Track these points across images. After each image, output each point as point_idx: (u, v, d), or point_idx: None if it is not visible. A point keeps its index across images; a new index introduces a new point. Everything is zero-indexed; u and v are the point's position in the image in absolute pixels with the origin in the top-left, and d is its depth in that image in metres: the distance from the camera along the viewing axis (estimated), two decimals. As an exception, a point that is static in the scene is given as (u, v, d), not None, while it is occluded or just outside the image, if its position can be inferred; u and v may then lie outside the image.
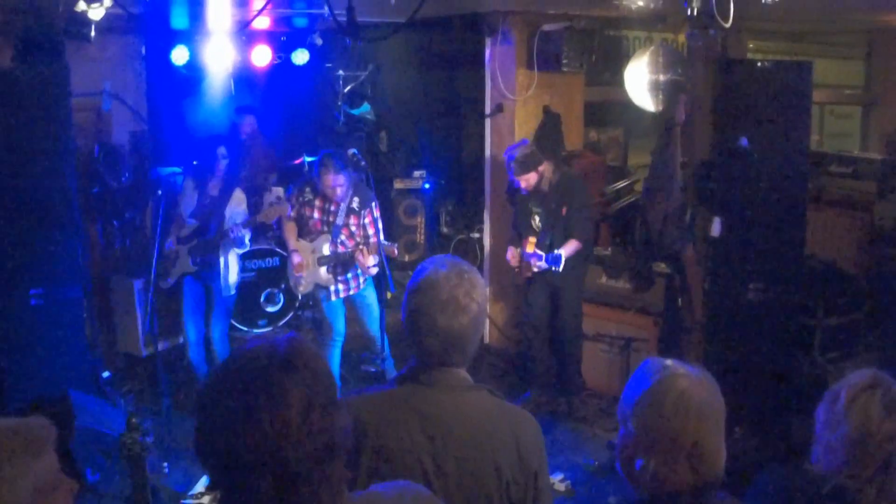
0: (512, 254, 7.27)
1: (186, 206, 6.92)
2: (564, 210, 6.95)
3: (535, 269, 7.01)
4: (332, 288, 7.01)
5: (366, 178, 7.21)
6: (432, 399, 2.63)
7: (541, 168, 7.02)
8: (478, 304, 2.64)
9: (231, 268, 7.06)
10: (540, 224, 7.11)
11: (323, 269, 6.96)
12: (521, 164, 6.99)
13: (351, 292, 7.07)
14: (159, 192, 6.76)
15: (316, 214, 6.97)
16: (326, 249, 6.94)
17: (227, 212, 6.96)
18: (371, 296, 7.17)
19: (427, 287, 2.63)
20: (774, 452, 6.02)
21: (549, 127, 8.27)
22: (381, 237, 6.97)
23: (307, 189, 6.98)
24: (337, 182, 6.70)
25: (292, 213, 7.02)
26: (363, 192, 6.98)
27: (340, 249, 6.93)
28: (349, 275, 7.03)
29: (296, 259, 6.96)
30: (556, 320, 7.31)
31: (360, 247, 6.76)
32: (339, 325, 7.19)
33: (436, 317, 2.58)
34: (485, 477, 2.58)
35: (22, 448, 2.36)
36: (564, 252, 6.84)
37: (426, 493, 2.15)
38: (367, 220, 6.93)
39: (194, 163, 7.07)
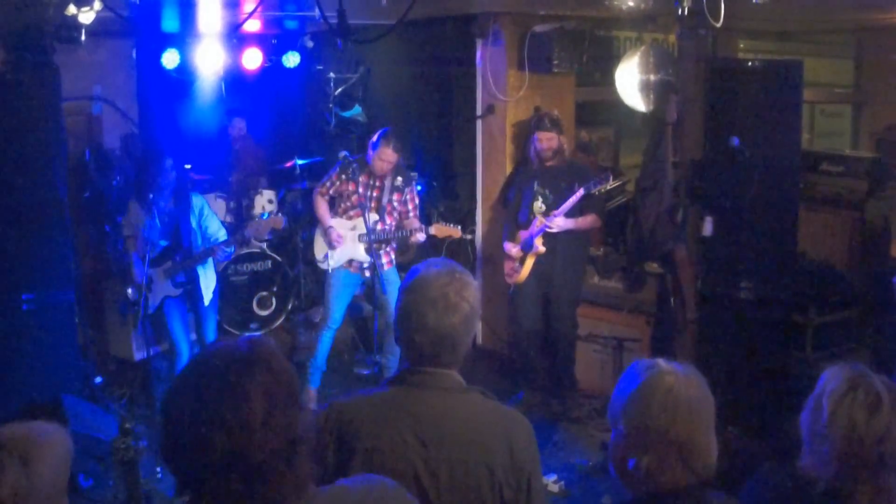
0: (510, 247, 7.33)
1: (148, 229, 6.82)
2: (577, 188, 6.99)
3: (542, 250, 7.10)
4: (373, 262, 6.96)
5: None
6: (424, 401, 2.64)
7: (562, 138, 7.16)
8: (469, 305, 2.64)
9: (209, 276, 7.03)
10: (543, 206, 7.14)
11: (361, 246, 7.08)
12: (554, 122, 7.16)
13: (385, 268, 7.19)
14: (150, 196, 6.70)
15: (360, 189, 7.01)
16: (371, 224, 6.96)
17: (203, 223, 6.91)
18: (397, 280, 7.18)
19: (418, 285, 2.66)
20: (767, 451, 6.02)
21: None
22: (418, 213, 7.28)
23: (354, 164, 7.00)
24: (392, 157, 6.94)
25: (331, 191, 7.18)
26: (404, 172, 7.20)
27: (380, 227, 7.08)
28: (388, 248, 7.26)
29: (334, 234, 7.06)
30: (552, 323, 7.32)
31: (413, 230, 7.05)
32: (338, 314, 7.29)
33: (426, 314, 2.59)
34: (477, 480, 2.58)
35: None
36: (582, 223, 7.10)
37: (392, 484, 2.16)
38: (408, 197, 7.16)
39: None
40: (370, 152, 6.99)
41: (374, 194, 7.10)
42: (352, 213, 7.11)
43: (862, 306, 7.37)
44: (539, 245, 7.10)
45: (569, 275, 7.21)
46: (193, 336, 7.19)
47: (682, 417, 2.19)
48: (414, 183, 7.29)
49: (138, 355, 7.83)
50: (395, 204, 7.13)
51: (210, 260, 6.97)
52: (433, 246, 9.45)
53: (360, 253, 7.10)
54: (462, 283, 2.67)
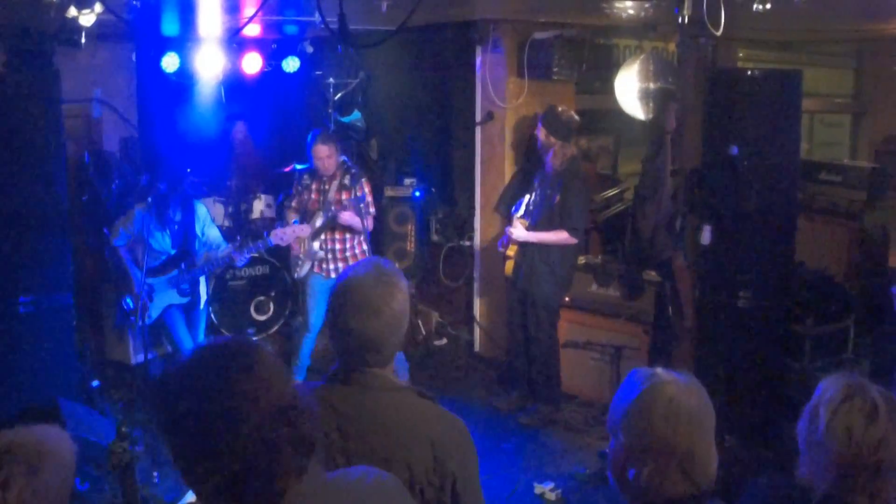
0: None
1: (157, 240, 6.87)
2: (557, 198, 6.97)
3: (501, 252, 7.39)
4: (332, 266, 7.33)
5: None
6: (350, 399, 2.69)
7: (553, 140, 7.05)
8: (393, 309, 2.70)
9: (203, 281, 7.16)
10: (531, 206, 7.17)
11: (316, 244, 7.32)
12: (546, 117, 7.13)
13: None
14: (149, 199, 6.74)
15: (313, 196, 7.37)
16: (318, 223, 7.28)
17: (206, 231, 6.99)
18: None
19: (343, 290, 2.73)
20: (765, 461, 6.02)
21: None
22: (371, 207, 7.35)
23: (305, 176, 7.46)
24: (324, 152, 7.12)
25: (294, 204, 7.49)
26: (353, 171, 7.37)
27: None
28: (347, 254, 7.36)
29: (294, 242, 7.30)
30: (527, 329, 7.33)
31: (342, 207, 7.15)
32: (315, 319, 7.47)
33: (348, 319, 2.66)
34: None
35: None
36: (545, 237, 7.01)
37: (386, 475, 2.26)
38: (358, 194, 7.19)
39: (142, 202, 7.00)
40: (309, 156, 7.28)
41: (324, 197, 7.33)
42: (308, 216, 7.41)
43: (859, 316, 7.38)
44: (500, 247, 7.38)
45: (541, 282, 7.17)
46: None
47: (683, 428, 2.18)
48: (364, 180, 7.39)
49: (136, 359, 7.83)
50: (344, 202, 7.25)
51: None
52: (432, 253, 9.46)
53: (313, 251, 7.34)
54: (388, 286, 2.72)
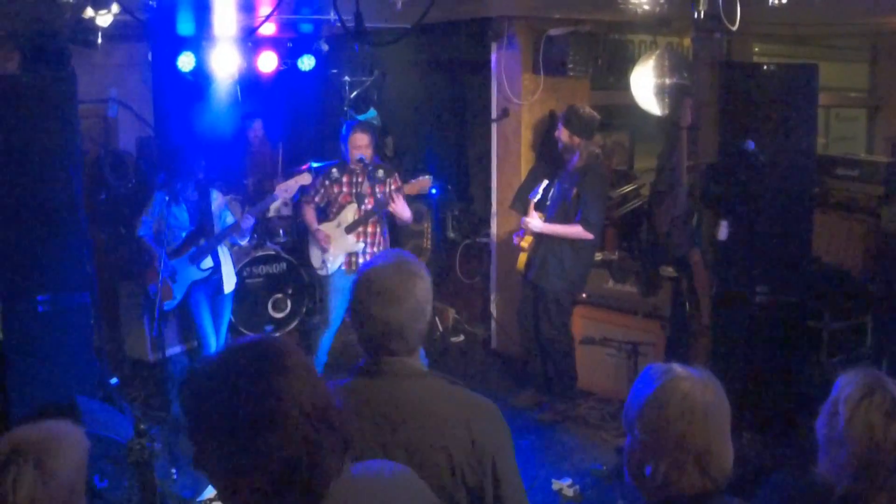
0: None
1: (174, 218, 6.93)
2: (574, 192, 6.95)
3: (516, 244, 7.35)
4: (360, 260, 7.26)
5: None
6: (380, 388, 2.70)
7: (577, 140, 7.02)
8: (414, 296, 2.72)
9: (228, 263, 7.20)
10: (549, 200, 7.18)
11: (351, 237, 7.26)
12: (567, 117, 7.07)
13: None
14: (166, 197, 6.78)
15: (344, 189, 7.32)
16: (351, 217, 7.26)
17: (222, 213, 7.06)
18: None
19: (363, 279, 2.75)
20: (782, 457, 6.00)
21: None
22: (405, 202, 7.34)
23: (334, 169, 7.37)
24: (363, 141, 7.11)
25: (317, 199, 7.37)
26: (385, 167, 7.45)
27: (358, 215, 7.28)
28: (374, 249, 7.32)
29: (321, 235, 7.26)
30: (538, 322, 7.33)
31: (391, 197, 7.14)
32: (335, 316, 7.44)
33: (370, 307, 2.69)
34: (435, 464, 2.62)
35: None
36: (559, 229, 6.99)
37: (401, 468, 2.28)
38: (393, 188, 7.25)
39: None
40: (344, 148, 7.24)
41: (358, 190, 7.30)
42: (337, 211, 7.36)
43: (877, 311, 7.34)
44: (516, 239, 7.36)
45: (550, 276, 7.15)
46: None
47: (698, 424, 2.19)
48: (396, 175, 7.44)
49: (153, 356, 7.86)
50: (379, 196, 7.25)
51: (227, 250, 7.15)
52: (449, 250, 9.47)
53: (350, 244, 7.27)
54: (407, 274, 2.74)
